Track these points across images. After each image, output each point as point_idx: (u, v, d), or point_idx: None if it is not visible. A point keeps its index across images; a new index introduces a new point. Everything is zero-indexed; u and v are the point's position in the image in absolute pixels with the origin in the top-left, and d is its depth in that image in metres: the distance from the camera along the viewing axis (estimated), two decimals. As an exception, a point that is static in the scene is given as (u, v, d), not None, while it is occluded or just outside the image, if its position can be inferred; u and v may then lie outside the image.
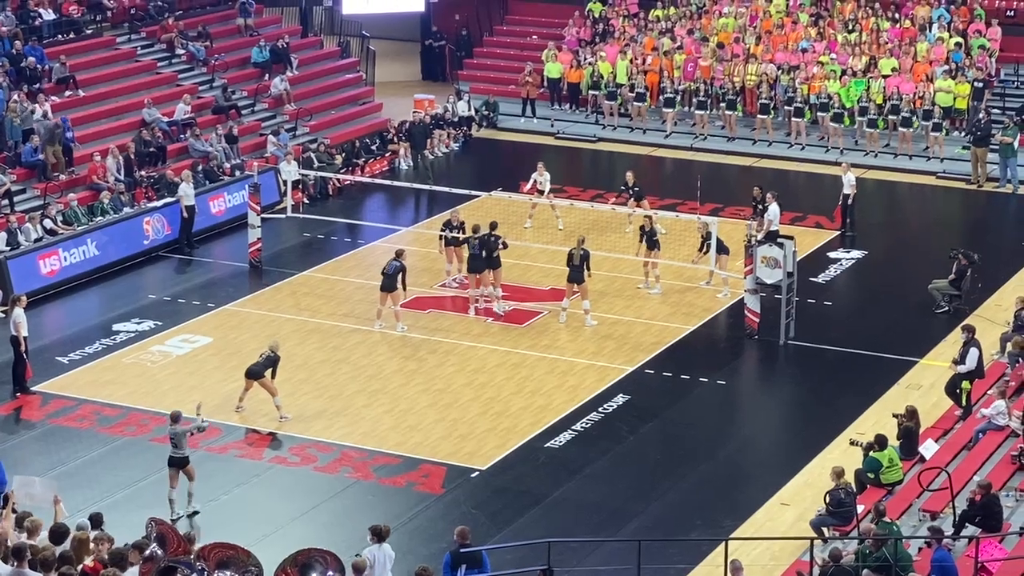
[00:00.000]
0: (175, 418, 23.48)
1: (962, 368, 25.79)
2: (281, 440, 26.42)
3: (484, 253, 31.45)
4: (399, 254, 30.99)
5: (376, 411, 27.52)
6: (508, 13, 53.24)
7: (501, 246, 31.60)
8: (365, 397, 28.07)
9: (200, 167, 38.73)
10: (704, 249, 32.66)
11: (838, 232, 36.98)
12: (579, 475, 25.16)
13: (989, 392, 25.07)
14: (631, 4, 50.25)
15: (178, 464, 23.46)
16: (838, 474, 21.94)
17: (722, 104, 45.20)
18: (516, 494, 24.53)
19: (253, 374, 26.79)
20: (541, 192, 36.78)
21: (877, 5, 47.50)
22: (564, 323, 31.29)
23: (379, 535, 19.54)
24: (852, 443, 24.02)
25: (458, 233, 32.56)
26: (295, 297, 33.17)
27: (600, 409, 27.59)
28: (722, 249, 32.36)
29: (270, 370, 26.83)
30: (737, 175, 42.12)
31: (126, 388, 28.43)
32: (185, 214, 35.92)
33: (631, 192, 35.71)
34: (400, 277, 30.70)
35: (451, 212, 33.83)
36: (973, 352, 25.74)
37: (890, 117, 43.31)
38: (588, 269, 31.10)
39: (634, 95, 45.95)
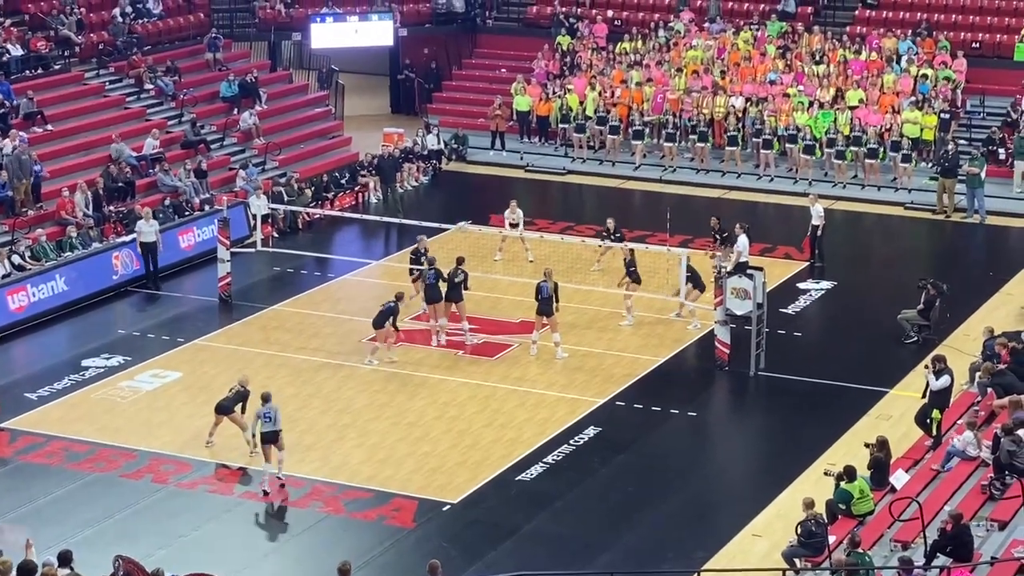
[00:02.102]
0: (265, 399, 25.80)
1: (932, 382, 25.77)
2: (251, 475, 26.29)
3: (440, 282, 31.66)
4: (398, 297, 30.99)
5: (347, 445, 27.44)
6: (477, 47, 53.32)
7: (462, 283, 31.72)
8: (336, 431, 28.00)
9: (169, 202, 38.67)
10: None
11: (807, 263, 37.09)
12: (550, 508, 25.13)
13: (959, 422, 25.13)
14: (599, 37, 50.40)
15: (271, 440, 25.46)
16: (808, 505, 21.96)
17: (693, 136, 45.32)
18: (488, 527, 24.49)
19: (223, 409, 26.73)
20: (515, 225, 36.70)
21: (844, 37, 47.78)
22: (535, 355, 31.29)
23: (341, 573, 19.64)
24: (826, 473, 24.03)
25: (424, 262, 32.53)
26: (265, 331, 33.07)
27: (571, 441, 27.57)
28: (698, 284, 32.43)
29: (240, 405, 26.76)
30: (706, 207, 42.17)
31: (95, 424, 28.29)
32: (140, 250, 35.58)
33: (613, 238, 35.48)
34: (392, 319, 30.68)
35: (418, 241, 33.82)
36: (946, 378, 25.78)
37: (852, 148, 43.51)
38: (557, 301, 31.13)
39: (607, 127, 46.07)
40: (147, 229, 35.62)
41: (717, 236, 35.68)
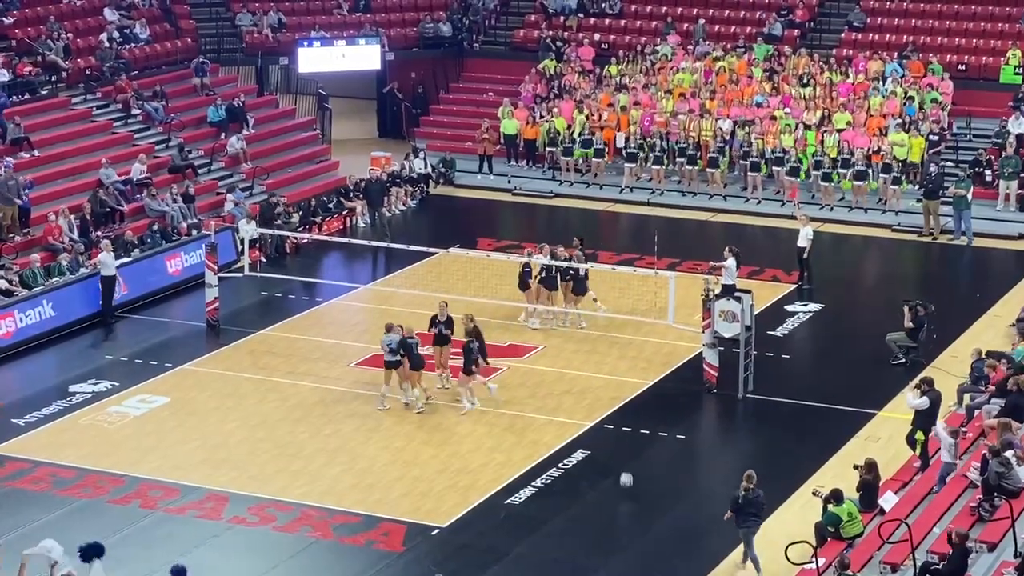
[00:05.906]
0: (388, 328, 29.17)
1: (913, 403, 25.82)
2: (240, 500, 26.22)
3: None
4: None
5: (335, 469, 27.40)
6: (464, 70, 53.40)
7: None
8: (325, 455, 27.94)
9: (156, 227, 38.65)
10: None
11: (795, 285, 37.13)
12: (539, 531, 25.11)
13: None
14: (585, 61, 50.49)
15: (392, 366, 29.26)
16: (748, 478, 23.07)
17: (681, 159, 45.37)
18: (477, 551, 24.45)
19: (391, 364, 29.28)
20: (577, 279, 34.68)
21: (831, 60, 47.89)
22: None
23: None
24: (814, 494, 24.05)
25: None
26: (253, 356, 33.03)
27: (560, 465, 27.55)
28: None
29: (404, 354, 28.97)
30: (694, 230, 42.27)
31: (83, 450, 28.21)
32: (101, 285, 34.96)
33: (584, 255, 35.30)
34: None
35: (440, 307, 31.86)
36: (924, 400, 25.79)
37: (840, 170, 43.60)
38: None
39: (592, 150, 46.12)
40: (110, 262, 34.97)
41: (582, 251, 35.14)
